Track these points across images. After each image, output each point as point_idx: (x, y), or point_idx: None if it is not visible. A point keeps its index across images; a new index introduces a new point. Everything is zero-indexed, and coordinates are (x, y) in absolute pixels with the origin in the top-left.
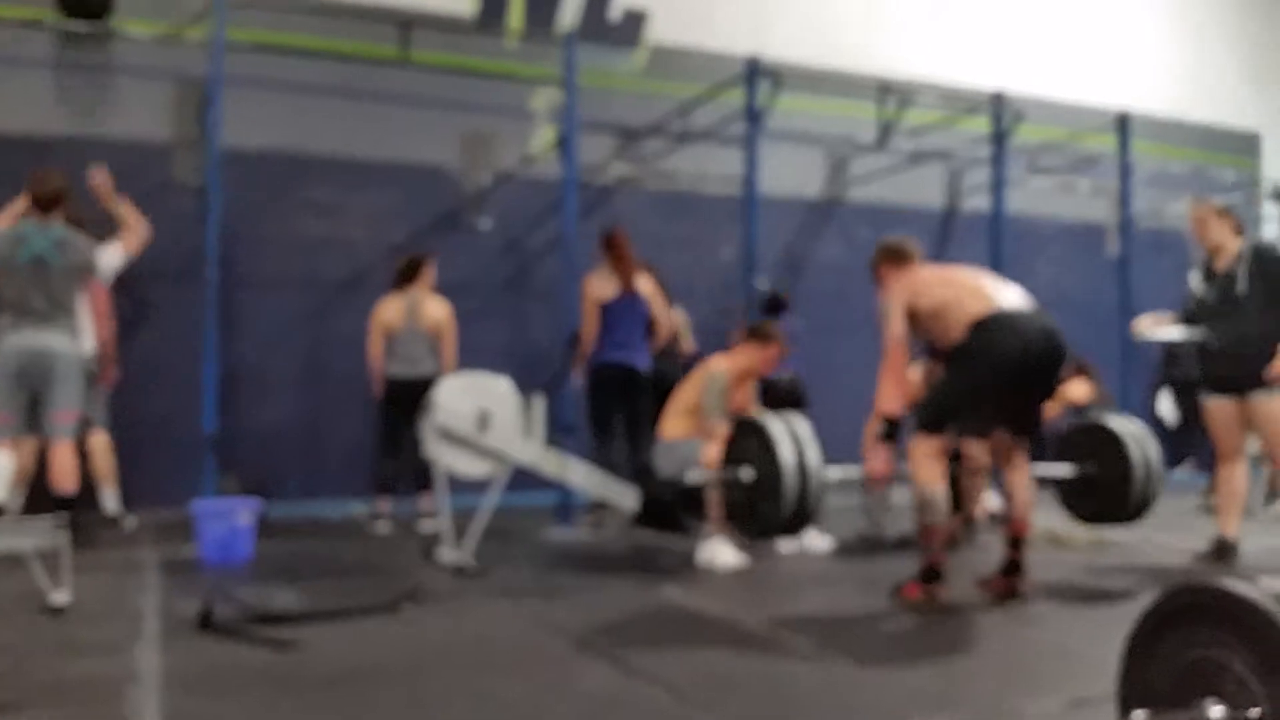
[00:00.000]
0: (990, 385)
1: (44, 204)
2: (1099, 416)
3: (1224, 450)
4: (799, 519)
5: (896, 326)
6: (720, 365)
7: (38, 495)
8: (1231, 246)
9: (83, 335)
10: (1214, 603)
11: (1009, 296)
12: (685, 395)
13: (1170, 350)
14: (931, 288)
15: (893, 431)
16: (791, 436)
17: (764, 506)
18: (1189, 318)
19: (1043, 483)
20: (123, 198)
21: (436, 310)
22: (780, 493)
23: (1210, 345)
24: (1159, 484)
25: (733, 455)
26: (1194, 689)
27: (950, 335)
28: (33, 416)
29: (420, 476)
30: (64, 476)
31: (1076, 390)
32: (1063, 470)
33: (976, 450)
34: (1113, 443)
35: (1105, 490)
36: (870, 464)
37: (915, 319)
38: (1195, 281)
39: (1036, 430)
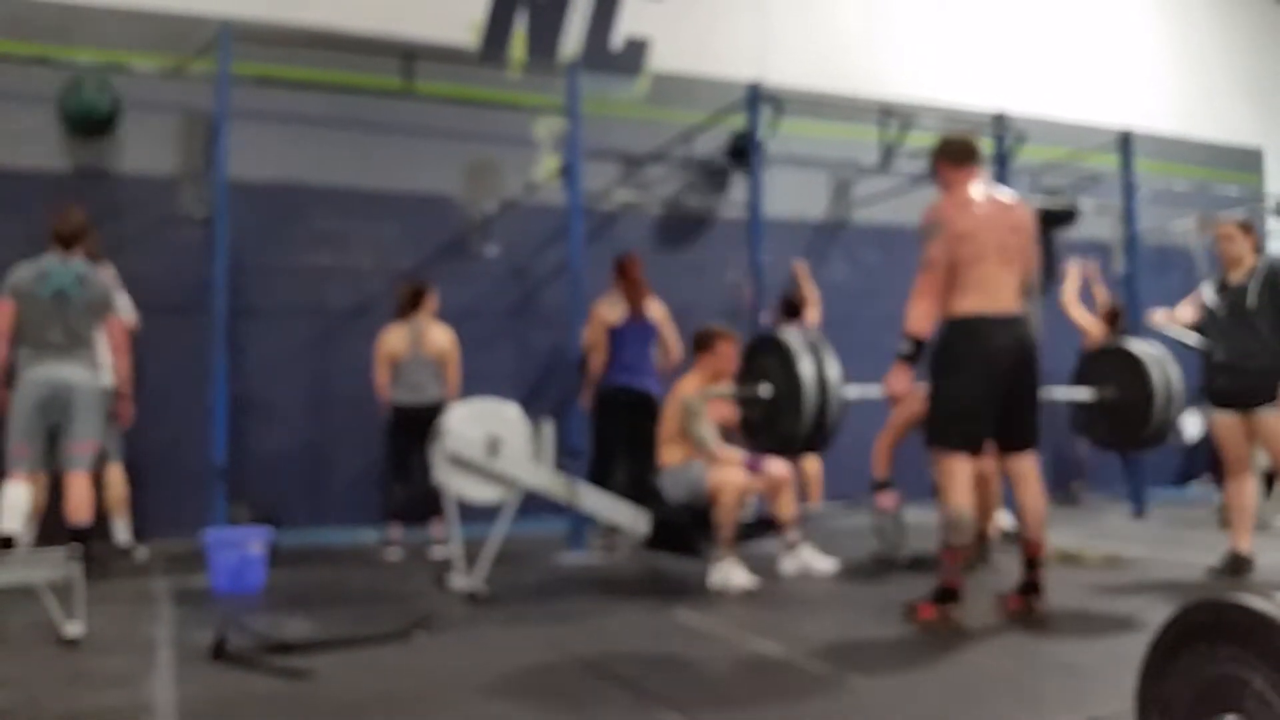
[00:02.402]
0: (974, 380)
1: (66, 240)
2: (1120, 340)
3: (1231, 464)
4: (818, 435)
5: (937, 250)
6: (688, 388)
7: (51, 527)
8: (1249, 261)
9: (102, 369)
10: (1233, 619)
11: (1003, 297)
12: (669, 424)
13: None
14: (965, 242)
15: (915, 353)
16: (811, 351)
17: (783, 422)
18: (1201, 328)
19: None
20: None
21: (440, 337)
22: (800, 408)
23: (1216, 357)
24: (1180, 407)
25: (752, 372)
26: (1214, 706)
27: (945, 304)
28: (48, 449)
29: (430, 503)
30: (79, 508)
31: (1093, 327)
32: (1082, 394)
33: (990, 467)
34: (1133, 366)
35: (1125, 414)
36: (890, 383)
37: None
38: (1208, 292)
39: (1035, 438)
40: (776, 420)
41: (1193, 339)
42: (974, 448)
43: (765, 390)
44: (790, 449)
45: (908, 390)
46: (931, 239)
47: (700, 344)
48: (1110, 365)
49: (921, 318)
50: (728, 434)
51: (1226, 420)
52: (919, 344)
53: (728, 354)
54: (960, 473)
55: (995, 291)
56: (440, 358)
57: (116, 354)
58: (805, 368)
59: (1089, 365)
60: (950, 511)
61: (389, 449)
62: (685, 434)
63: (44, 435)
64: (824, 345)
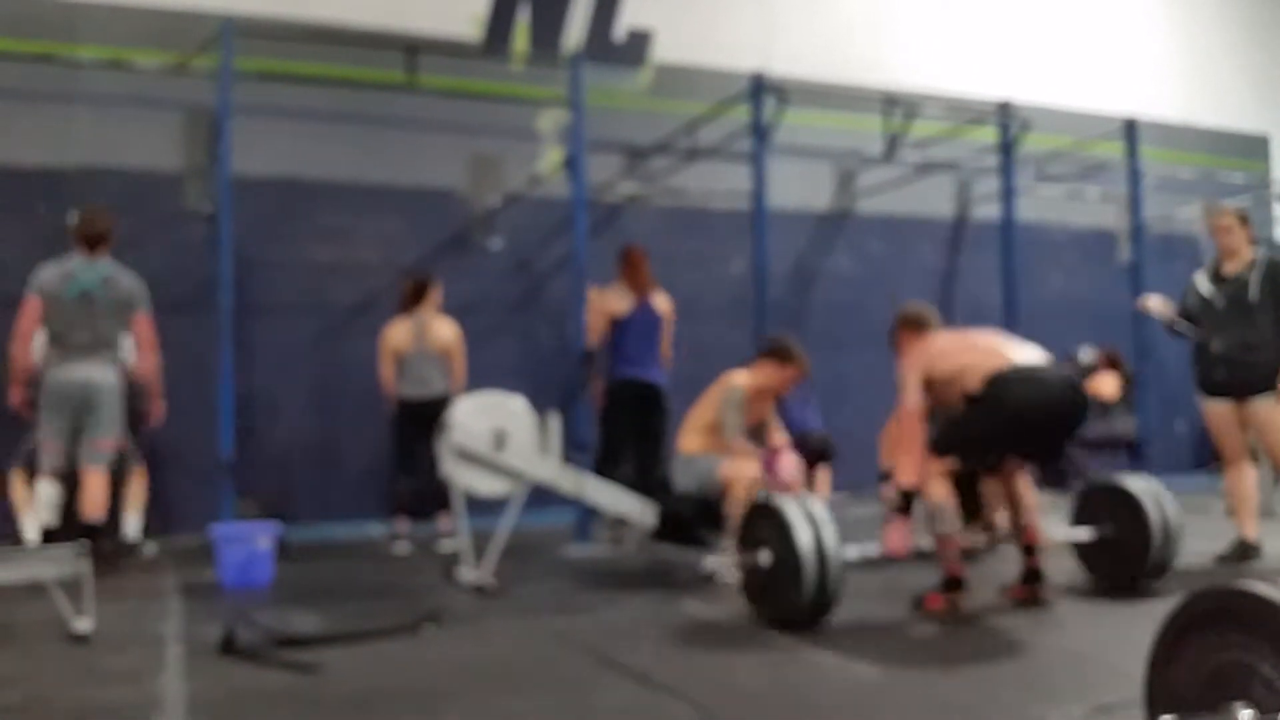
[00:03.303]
0: (1006, 433)
1: (91, 242)
2: (1116, 478)
3: (1228, 454)
4: (820, 605)
5: (913, 397)
6: (738, 380)
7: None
8: (1245, 253)
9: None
10: (1241, 605)
11: (1027, 354)
12: (703, 410)
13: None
14: (949, 355)
15: (909, 504)
16: (808, 520)
17: (784, 592)
18: (1187, 314)
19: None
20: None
21: (445, 331)
22: (800, 578)
23: (1214, 348)
24: (1177, 544)
25: (750, 538)
26: (1222, 693)
27: (968, 392)
28: (71, 447)
29: (438, 497)
30: (94, 504)
31: (1106, 385)
32: (1081, 534)
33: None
34: (1129, 504)
35: (1123, 551)
36: (888, 541)
37: (931, 385)
38: (1202, 282)
39: (1053, 463)
40: (777, 588)
41: (1183, 327)
42: (976, 470)
43: (764, 559)
44: (793, 621)
45: (906, 547)
46: (904, 387)
47: (774, 352)
48: (1106, 503)
49: (909, 470)
50: (752, 433)
51: (1221, 410)
52: (909, 497)
53: (791, 377)
54: (939, 469)
55: (1008, 353)
56: (445, 351)
57: (145, 352)
58: (803, 536)
59: (1085, 503)
60: (931, 503)
61: (395, 443)
62: (716, 422)
63: (69, 434)
64: (822, 512)
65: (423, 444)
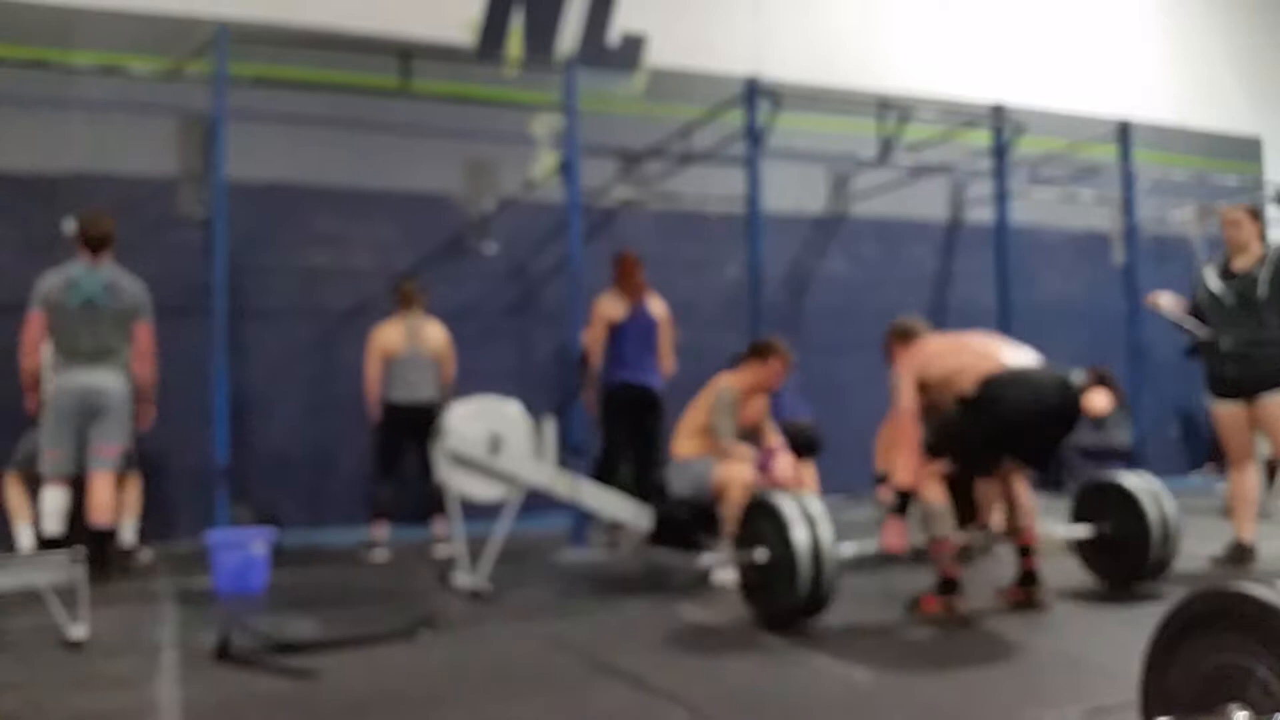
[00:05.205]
0: (999, 435)
1: (95, 244)
2: (1114, 475)
3: (1234, 455)
4: (816, 601)
5: (907, 399)
6: (727, 382)
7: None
8: (1255, 248)
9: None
10: (1236, 608)
11: (1020, 357)
12: (695, 414)
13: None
14: (941, 357)
15: (905, 504)
16: (805, 517)
17: (780, 589)
18: (1197, 312)
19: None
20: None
21: (438, 335)
22: (795, 575)
23: (1224, 346)
24: (1177, 541)
25: (747, 536)
26: (1217, 696)
27: (962, 394)
28: (78, 453)
29: (433, 502)
30: (102, 509)
31: (1098, 401)
32: (1080, 531)
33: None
34: (1128, 501)
35: (1123, 549)
36: (885, 538)
37: (925, 388)
38: (1211, 278)
39: (1048, 466)
40: (774, 586)
41: (1192, 324)
42: (970, 474)
43: (761, 556)
44: (789, 618)
45: (904, 543)
46: (899, 390)
47: (756, 351)
48: (1105, 500)
49: (905, 470)
50: (747, 434)
51: (1230, 410)
52: (905, 496)
53: (777, 371)
54: (933, 470)
55: (1001, 356)
56: (437, 355)
57: (141, 360)
58: (799, 534)
59: (1083, 501)
60: (926, 504)
61: (378, 447)
62: (709, 426)
63: (74, 440)
64: (819, 510)
65: (410, 449)
